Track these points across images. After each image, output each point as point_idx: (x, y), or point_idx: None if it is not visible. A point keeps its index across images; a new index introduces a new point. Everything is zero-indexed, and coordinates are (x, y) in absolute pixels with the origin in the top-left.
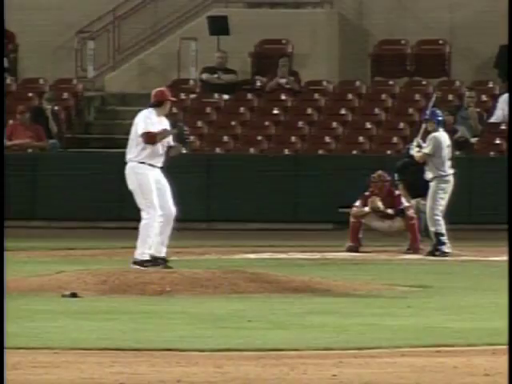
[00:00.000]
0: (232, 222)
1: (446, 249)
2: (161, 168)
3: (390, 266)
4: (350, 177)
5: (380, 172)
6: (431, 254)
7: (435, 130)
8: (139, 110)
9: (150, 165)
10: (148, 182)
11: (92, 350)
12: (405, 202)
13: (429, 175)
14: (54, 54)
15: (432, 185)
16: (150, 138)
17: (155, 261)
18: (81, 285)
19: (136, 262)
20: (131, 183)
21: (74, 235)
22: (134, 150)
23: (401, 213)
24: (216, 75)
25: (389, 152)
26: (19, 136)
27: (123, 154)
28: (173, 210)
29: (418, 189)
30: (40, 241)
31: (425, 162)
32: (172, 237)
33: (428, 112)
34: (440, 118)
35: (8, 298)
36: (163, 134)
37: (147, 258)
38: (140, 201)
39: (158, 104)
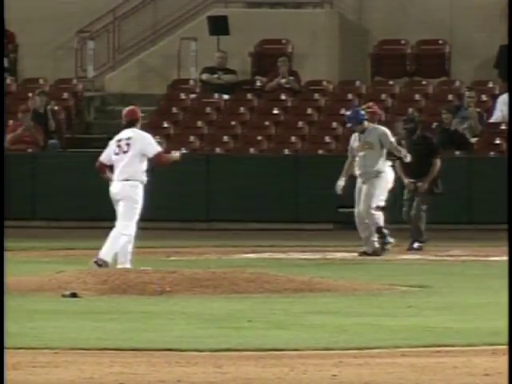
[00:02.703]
0: (232, 221)
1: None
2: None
3: (390, 266)
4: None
5: (371, 103)
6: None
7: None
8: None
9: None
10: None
11: (92, 350)
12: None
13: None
14: (53, 53)
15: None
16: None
17: None
18: (81, 285)
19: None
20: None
21: (74, 235)
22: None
23: None
24: (216, 75)
25: None
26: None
27: None
28: None
29: (414, 171)
30: (40, 241)
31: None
32: (171, 236)
33: (349, 114)
34: (363, 116)
35: (8, 297)
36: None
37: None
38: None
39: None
